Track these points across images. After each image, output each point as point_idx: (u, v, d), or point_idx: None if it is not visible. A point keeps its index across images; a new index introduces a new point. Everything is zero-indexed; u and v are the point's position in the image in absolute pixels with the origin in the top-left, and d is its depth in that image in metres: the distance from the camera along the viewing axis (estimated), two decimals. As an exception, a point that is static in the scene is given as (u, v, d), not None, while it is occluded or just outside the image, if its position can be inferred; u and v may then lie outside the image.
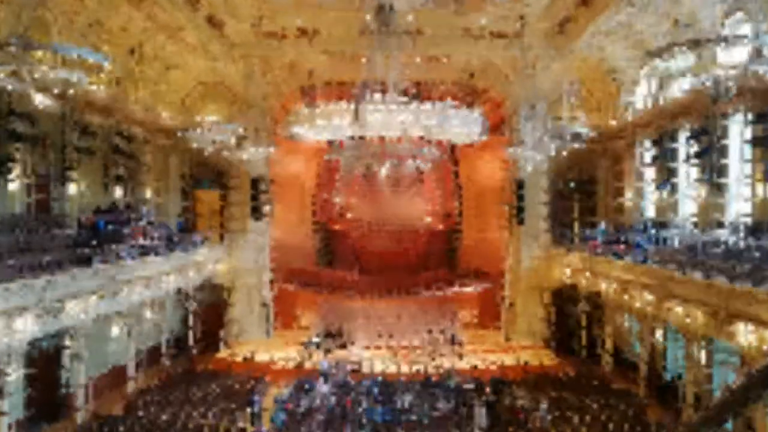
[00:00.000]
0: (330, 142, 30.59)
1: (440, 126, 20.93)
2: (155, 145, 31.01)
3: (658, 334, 25.64)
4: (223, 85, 33.23)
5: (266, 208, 32.84)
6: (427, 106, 15.32)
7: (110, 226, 23.46)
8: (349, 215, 37.32)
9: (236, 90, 32.96)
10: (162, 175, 32.45)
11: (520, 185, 31.67)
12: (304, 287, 35.51)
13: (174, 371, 26.59)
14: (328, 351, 29.29)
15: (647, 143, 27.86)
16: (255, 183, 32.10)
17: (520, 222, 32.02)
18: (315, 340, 29.88)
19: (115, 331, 25.86)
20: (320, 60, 31.96)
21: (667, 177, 25.66)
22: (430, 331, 31.76)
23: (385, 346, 31.10)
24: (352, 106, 14.16)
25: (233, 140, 27.60)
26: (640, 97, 28.52)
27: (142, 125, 29.33)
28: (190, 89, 33.35)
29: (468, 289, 35.91)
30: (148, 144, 30.16)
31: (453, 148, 35.78)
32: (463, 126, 13.72)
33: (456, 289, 35.73)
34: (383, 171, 26.07)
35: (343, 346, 30.10)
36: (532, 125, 28.42)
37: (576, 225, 33.77)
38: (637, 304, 22.52)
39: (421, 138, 25.00)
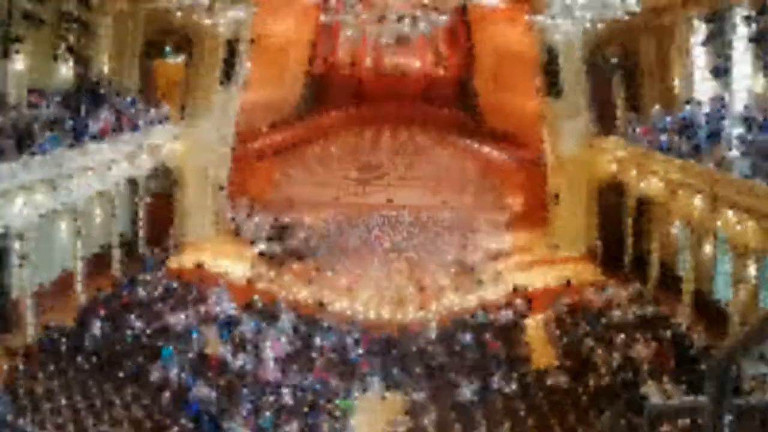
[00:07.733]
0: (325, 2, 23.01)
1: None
2: (113, 10, 19.41)
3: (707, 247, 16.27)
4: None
5: (240, 69, 21.07)
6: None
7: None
8: (349, 66, 29.99)
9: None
10: (120, 46, 20.31)
11: (551, 54, 19.02)
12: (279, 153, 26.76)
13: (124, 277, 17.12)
14: (281, 263, 18.84)
15: (698, 21, 17.17)
16: (230, 44, 20.14)
17: (557, 94, 19.50)
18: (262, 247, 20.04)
19: (62, 230, 16.16)
20: None
21: (723, 61, 15.61)
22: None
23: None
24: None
25: (206, 1, 16.46)
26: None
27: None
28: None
29: (500, 154, 25.73)
30: (103, 11, 18.72)
31: (464, 10, 26.23)
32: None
33: (484, 148, 26.49)
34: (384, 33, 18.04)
35: (300, 258, 19.36)
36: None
37: (619, 110, 20.82)
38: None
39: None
